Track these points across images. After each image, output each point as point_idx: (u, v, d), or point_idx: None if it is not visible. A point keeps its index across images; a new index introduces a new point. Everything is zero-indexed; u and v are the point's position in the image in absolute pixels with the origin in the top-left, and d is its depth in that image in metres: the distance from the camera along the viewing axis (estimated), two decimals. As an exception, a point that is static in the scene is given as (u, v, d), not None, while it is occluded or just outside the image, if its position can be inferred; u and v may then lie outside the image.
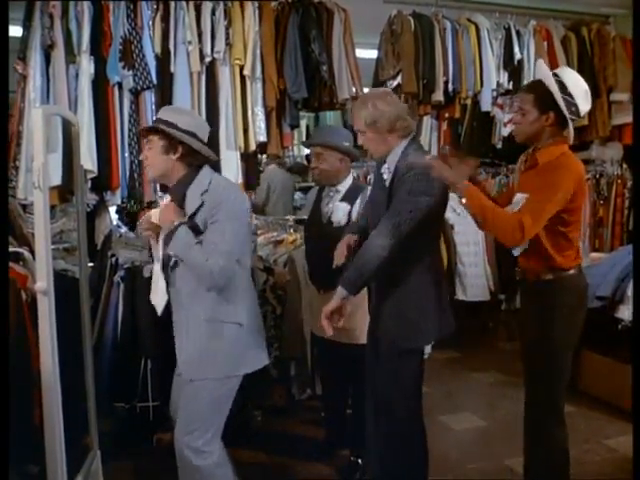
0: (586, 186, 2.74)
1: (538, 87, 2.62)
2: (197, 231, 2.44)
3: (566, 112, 2.56)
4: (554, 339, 2.61)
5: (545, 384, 2.68)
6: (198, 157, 2.53)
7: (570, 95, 2.57)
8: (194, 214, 2.47)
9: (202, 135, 2.57)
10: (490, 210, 2.44)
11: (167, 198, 2.64)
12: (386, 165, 2.72)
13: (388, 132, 2.67)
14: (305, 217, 3.89)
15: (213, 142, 3.79)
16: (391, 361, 2.73)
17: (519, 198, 2.54)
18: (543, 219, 2.46)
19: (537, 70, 2.75)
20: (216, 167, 3.38)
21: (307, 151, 3.70)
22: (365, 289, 2.88)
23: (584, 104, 2.63)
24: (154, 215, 2.58)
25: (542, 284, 2.64)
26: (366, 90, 5.05)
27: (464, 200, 2.53)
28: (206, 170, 2.55)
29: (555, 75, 2.60)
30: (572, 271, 2.65)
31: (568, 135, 2.62)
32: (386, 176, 2.71)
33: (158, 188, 4.23)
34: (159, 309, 2.63)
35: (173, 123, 2.48)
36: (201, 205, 2.46)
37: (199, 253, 2.40)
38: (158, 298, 2.62)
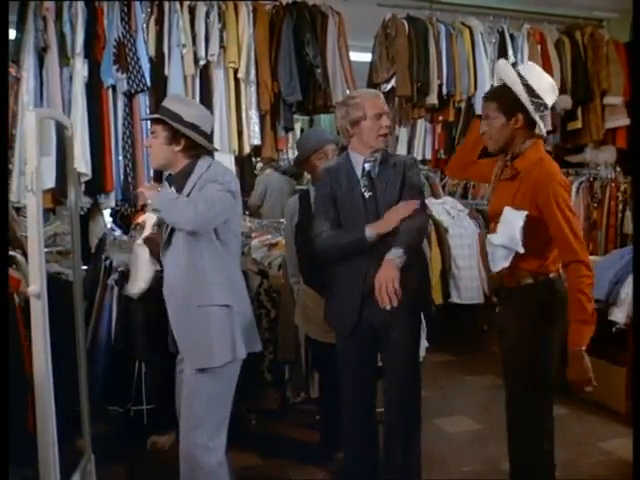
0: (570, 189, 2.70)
1: (500, 92, 2.58)
2: None
3: (535, 115, 2.50)
4: (535, 344, 2.54)
5: (529, 389, 2.62)
6: (199, 149, 2.59)
7: (538, 96, 2.51)
8: (188, 195, 2.51)
9: (205, 127, 2.60)
10: (586, 305, 2.40)
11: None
12: (369, 163, 2.80)
13: None
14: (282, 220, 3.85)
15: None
16: (414, 329, 2.87)
17: (512, 214, 2.47)
18: (580, 230, 2.45)
19: (502, 74, 2.59)
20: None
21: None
22: None
23: (550, 98, 2.56)
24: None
25: (522, 289, 2.58)
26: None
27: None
28: (205, 159, 2.60)
29: (520, 77, 2.52)
30: (552, 274, 2.59)
31: (540, 132, 2.59)
32: (375, 173, 2.80)
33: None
34: (136, 294, 2.66)
35: (177, 114, 2.52)
36: (194, 186, 2.51)
37: (183, 203, 2.43)
38: (140, 283, 2.65)
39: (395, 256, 2.60)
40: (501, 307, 2.76)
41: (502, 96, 2.54)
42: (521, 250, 2.44)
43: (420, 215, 2.75)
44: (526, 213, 2.43)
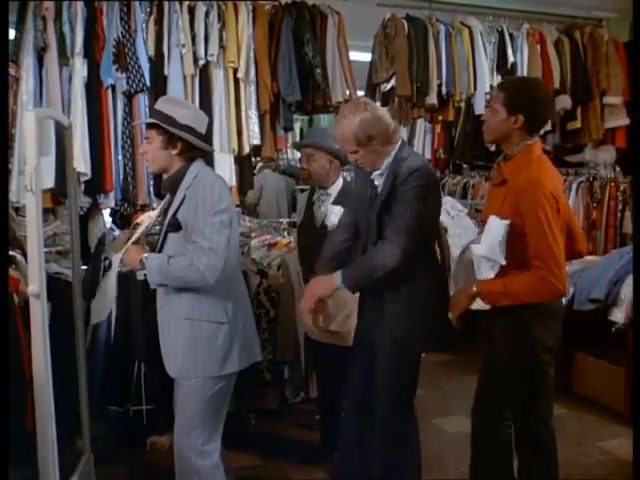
0: (563, 196, 2.50)
1: (511, 86, 2.54)
2: (177, 227, 2.46)
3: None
4: (524, 354, 2.49)
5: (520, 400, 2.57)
6: (196, 151, 2.55)
7: None
8: (177, 210, 2.47)
9: (200, 128, 2.56)
10: (508, 289, 2.36)
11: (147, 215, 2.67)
12: (378, 172, 2.68)
13: (382, 145, 2.62)
14: (295, 220, 3.89)
15: (207, 144, 3.80)
16: (393, 363, 2.71)
17: (495, 224, 2.39)
18: (560, 250, 2.35)
19: None
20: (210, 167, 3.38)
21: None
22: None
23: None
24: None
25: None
26: (360, 93, 5.08)
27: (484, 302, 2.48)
28: (196, 165, 2.54)
29: None
30: None
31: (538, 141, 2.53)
32: (378, 182, 2.69)
33: (152, 191, 4.23)
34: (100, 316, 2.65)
35: (171, 117, 2.47)
36: (183, 199, 2.47)
37: (179, 263, 2.39)
38: (104, 306, 2.65)
39: (337, 280, 2.60)
40: (488, 314, 2.62)
41: (511, 90, 2.48)
42: (502, 262, 2.37)
43: (381, 254, 2.57)
44: (508, 223, 2.35)
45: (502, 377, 2.56)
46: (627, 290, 4.11)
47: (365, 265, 2.61)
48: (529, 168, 2.42)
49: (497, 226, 2.38)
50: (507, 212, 2.40)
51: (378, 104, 2.94)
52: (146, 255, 2.45)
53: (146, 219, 2.66)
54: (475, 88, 5.26)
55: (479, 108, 5.31)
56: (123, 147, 4.15)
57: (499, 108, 2.47)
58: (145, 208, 4.12)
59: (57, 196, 3.99)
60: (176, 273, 2.40)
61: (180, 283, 2.45)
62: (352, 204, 2.89)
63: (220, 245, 2.40)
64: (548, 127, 5.40)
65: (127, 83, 4.06)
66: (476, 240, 2.56)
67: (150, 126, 2.53)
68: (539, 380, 2.54)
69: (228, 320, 2.51)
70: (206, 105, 4.28)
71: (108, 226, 4.61)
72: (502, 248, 2.35)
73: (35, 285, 2.29)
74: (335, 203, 3.34)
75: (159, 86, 4.21)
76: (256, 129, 4.48)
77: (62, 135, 3.12)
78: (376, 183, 2.70)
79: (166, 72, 4.23)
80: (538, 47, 5.47)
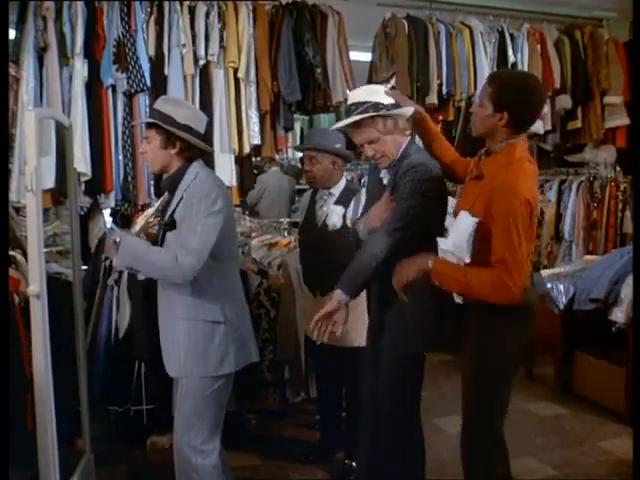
0: (537, 200, 2.40)
1: (499, 81, 2.41)
2: (174, 226, 2.46)
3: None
4: (492, 357, 2.44)
5: (484, 402, 2.50)
6: (195, 151, 2.55)
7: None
8: (175, 210, 2.48)
9: (199, 127, 2.57)
10: (466, 279, 2.30)
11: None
12: (386, 170, 2.66)
13: (399, 132, 2.58)
14: (298, 220, 3.90)
15: (207, 144, 3.80)
16: (392, 364, 2.70)
17: (464, 220, 2.33)
18: (523, 256, 2.27)
19: None
20: (211, 168, 3.38)
21: (301, 154, 3.72)
22: (363, 292, 2.88)
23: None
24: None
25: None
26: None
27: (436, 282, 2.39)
28: (195, 166, 2.55)
29: None
30: None
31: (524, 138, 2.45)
32: (385, 180, 2.68)
33: (152, 191, 4.23)
34: None
35: (170, 117, 2.48)
36: (181, 199, 2.47)
37: (161, 255, 2.40)
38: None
39: (337, 295, 2.55)
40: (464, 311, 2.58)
41: (498, 86, 2.38)
42: (467, 259, 2.31)
43: (367, 247, 2.58)
44: (477, 220, 2.29)
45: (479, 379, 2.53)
46: (627, 290, 4.11)
47: (353, 264, 2.58)
48: (507, 169, 2.33)
49: (466, 223, 2.33)
50: (478, 210, 2.33)
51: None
52: (120, 237, 2.43)
53: (142, 218, 2.66)
54: (475, 88, 5.25)
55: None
56: (123, 147, 4.15)
57: (486, 103, 2.38)
58: (145, 208, 4.12)
59: (57, 196, 3.99)
60: (154, 261, 2.40)
61: (153, 272, 2.46)
62: (365, 206, 2.88)
63: (205, 246, 2.39)
64: (548, 127, 5.41)
65: (127, 83, 4.06)
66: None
67: (149, 126, 2.54)
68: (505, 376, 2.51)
69: (225, 320, 2.51)
70: (206, 105, 4.28)
71: (109, 226, 4.61)
72: (468, 246, 2.30)
73: (35, 285, 2.29)
74: (338, 203, 3.36)
75: (159, 86, 4.21)
76: (256, 129, 4.48)
77: (62, 135, 3.12)
78: (384, 182, 2.69)
79: (166, 72, 4.23)
80: (538, 47, 5.46)
